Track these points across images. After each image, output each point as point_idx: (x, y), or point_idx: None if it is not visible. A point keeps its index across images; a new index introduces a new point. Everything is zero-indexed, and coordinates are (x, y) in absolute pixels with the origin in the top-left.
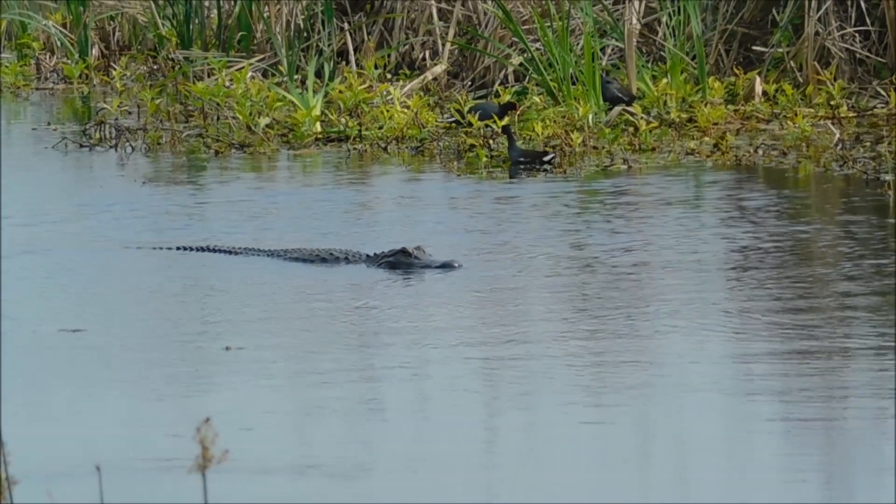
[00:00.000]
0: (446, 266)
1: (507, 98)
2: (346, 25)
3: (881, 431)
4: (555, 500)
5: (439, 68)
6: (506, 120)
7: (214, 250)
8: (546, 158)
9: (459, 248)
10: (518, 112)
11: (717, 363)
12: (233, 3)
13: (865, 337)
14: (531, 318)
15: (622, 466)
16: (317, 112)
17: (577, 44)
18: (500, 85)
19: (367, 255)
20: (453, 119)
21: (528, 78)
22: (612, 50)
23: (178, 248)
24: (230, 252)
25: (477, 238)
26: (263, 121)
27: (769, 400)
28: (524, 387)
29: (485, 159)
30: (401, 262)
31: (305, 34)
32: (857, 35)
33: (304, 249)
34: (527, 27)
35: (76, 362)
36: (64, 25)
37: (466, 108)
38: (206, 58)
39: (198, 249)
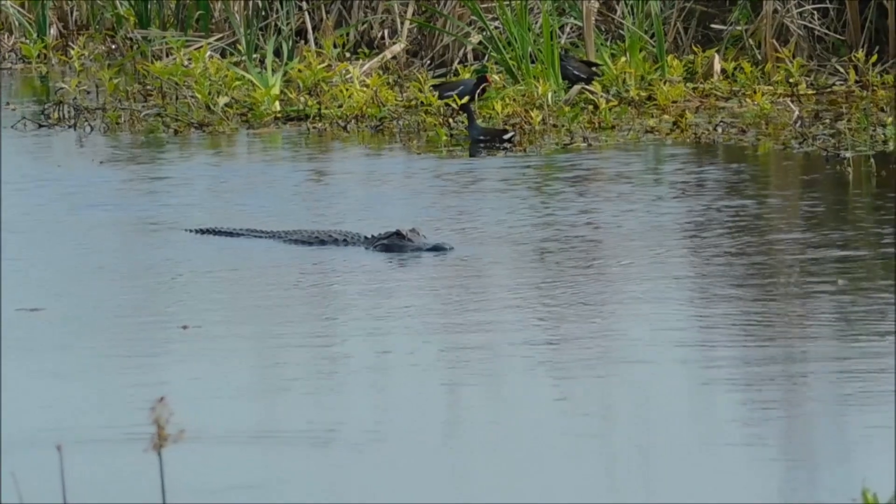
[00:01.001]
0: (438, 248)
1: (467, 76)
2: (304, 4)
3: (842, 392)
4: (517, 468)
5: (398, 47)
6: (465, 99)
7: (216, 232)
8: (506, 137)
9: (421, 225)
10: (490, 83)
11: (679, 332)
12: None
13: (823, 303)
14: (493, 294)
15: (584, 439)
16: (276, 91)
17: (536, 22)
18: (459, 63)
19: (365, 238)
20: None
21: (487, 56)
22: (571, 28)
23: (185, 231)
24: (231, 234)
25: (438, 215)
26: (222, 100)
27: (730, 370)
28: (486, 362)
29: (445, 138)
30: (395, 244)
31: (264, 13)
32: (815, 12)
33: (303, 231)
34: (485, 5)
35: (32, 340)
36: (22, 5)
37: (444, 87)
38: (165, 37)
39: (201, 232)
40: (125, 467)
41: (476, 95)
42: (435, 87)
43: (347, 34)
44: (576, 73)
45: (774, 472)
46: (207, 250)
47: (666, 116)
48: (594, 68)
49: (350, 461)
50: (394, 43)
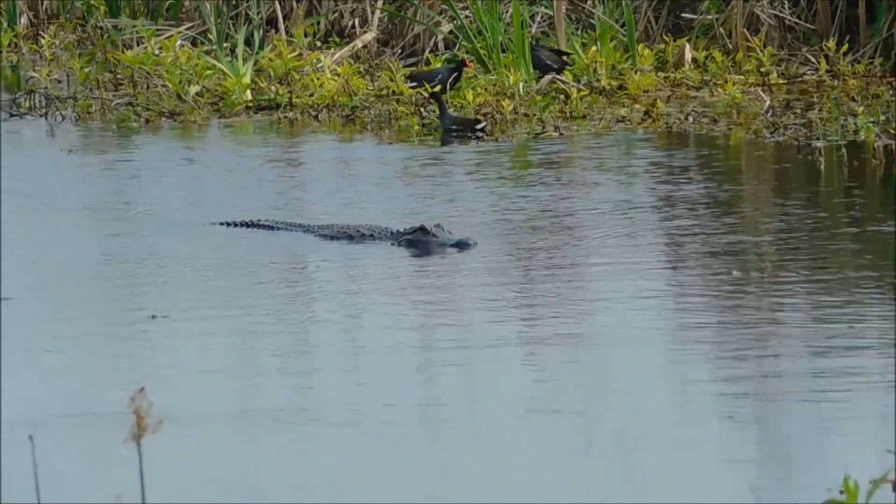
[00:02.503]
0: (461, 244)
1: (438, 65)
2: None
3: (814, 368)
4: (492, 449)
5: (369, 36)
6: (436, 88)
7: (248, 225)
8: (478, 126)
9: (394, 213)
10: (469, 66)
11: (652, 313)
12: None
13: (794, 284)
14: (469, 278)
15: (559, 420)
16: (246, 80)
17: (507, 11)
18: (430, 53)
19: (391, 233)
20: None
21: (458, 46)
22: (542, 17)
23: (214, 224)
24: (262, 227)
25: (411, 203)
26: (193, 89)
27: (703, 349)
28: (460, 343)
29: (416, 127)
30: (419, 239)
31: (234, 2)
32: (786, 2)
33: (333, 226)
34: None
35: (4, 328)
36: None
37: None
38: (135, 26)
39: (230, 224)
40: (98, 456)
41: (449, 84)
42: (412, 76)
43: (318, 23)
44: (547, 62)
45: (749, 455)
46: (183, 240)
47: (637, 106)
48: (565, 57)
49: (325, 441)
50: (364, 32)
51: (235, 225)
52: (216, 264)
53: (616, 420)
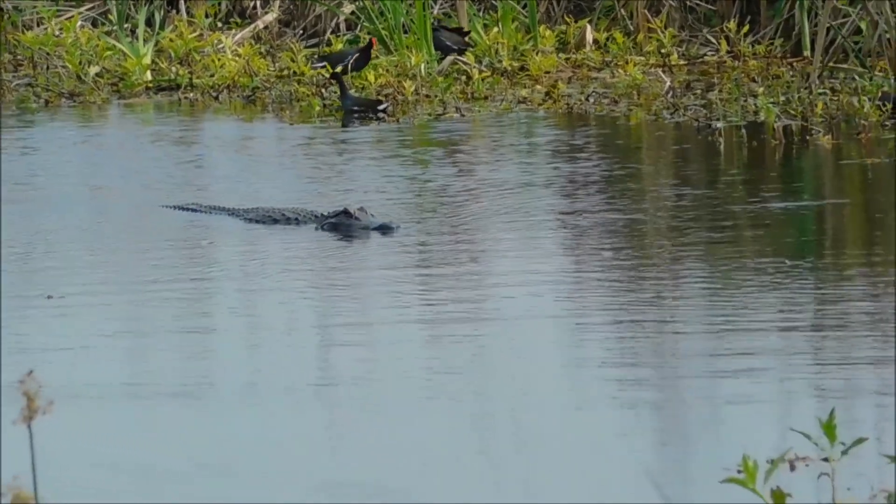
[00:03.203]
0: (384, 227)
1: (339, 47)
2: None
3: (711, 347)
4: (387, 424)
5: (270, 17)
6: (339, 68)
7: (181, 209)
8: (379, 107)
9: (297, 195)
10: (375, 45)
11: (549, 291)
12: None
13: (691, 263)
14: (370, 256)
15: (454, 395)
16: (147, 61)
17: None
18: (332, 34)
19: (315, 216)
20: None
21: (359, 27)
22: None
23: (168, 207)
24: (186, 209)
25: (314, 186)
26: (93, 70)
27: (599, 329)
28: (357, 325)
29: (318, 108)
30: (342, 222)
31: None
32: None
33: (258, 209)
34: None
35: None
36: None
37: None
38: (35, 7)
39: (165, 208)
40: None
41: (354, 65)
42: (322, 57)
43: (219, 3)
44: (448, 43)
45: (646, 435)
46: (86, 220)
47: (538, 87)
48: (466, 38)
49: (223, 415)
50: (266, 13)
51: (166, 208)
52: (118, 245)
53: (510, 401)
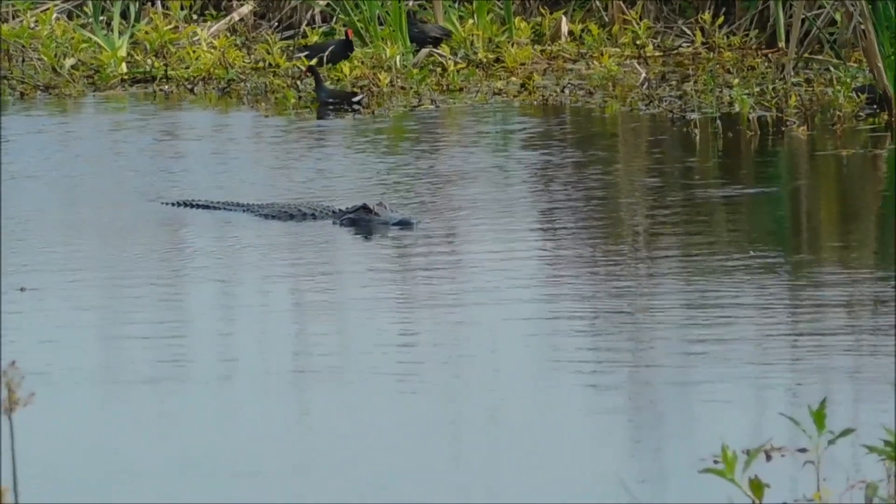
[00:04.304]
0: (404, 222)
1: (315, 39)
2: None
3: (686, 336)
4: (357, 407)
5: (245, 9)
6: (313, 62)
7: (185, 204)
8: (354, 99)
9: (273, 187)
10: (351, 36)
11: (525, 272)
12: None
13: (666, 252)
14: (343, 243)
15: (427, 378)
16: (122, 53)
17: None
18: (307, 25)
19: (333, 212)
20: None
21: (335, 19)
22: None
23: (164, 204)
24: (200, 206)
25: (288, 175)
26: (69, 62)
27: (573, 320)
28: (329, 308)
29: (293, 100)
30: (361, 218)
31: None
32: None
33: (275, 205)
34: None
35: None
36: None
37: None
38: None
39: (176, 204)
40: None
41: (330, 57)
42: (303, 48)
43: None
44: (427, 32)
45: (621, 425)
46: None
47: (514, 79)
48: (439, 31)
49: (198, 398)
50: (241, 5)
51: (173, 204)
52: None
53: (482, 388)
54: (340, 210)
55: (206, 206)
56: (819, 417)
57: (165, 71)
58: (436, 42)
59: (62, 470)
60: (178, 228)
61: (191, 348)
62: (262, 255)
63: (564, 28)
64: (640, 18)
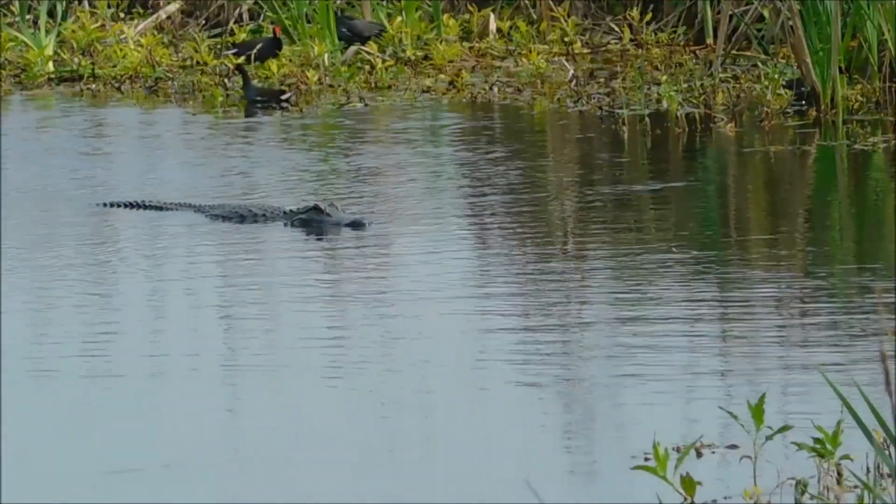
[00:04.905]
0: (356, 224)
1: (243, 37)
2: None
3: (619, 332)
4: (287, 401)
5: (173, 7)
6: (241, 60)
7: (134, 205)
8: (282, 97)
9: (198, 187)
10: (279, 33)
11: (457, 268)
12: None
13: (595, 248)
14: (277, 241)
15: (357, 374)
16: (49, 52)
17: None
18: (235, 23)
19: (283, 212)
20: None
21: (262, 16)
22: None
23: (104, 205)
24: (150, 207)
25: (216, 175)
26: None
27: (504, 316)
28: (263, 304)
29: (220, 98)
30: (313, 218)
31: None
32: None
33: (224, 206)
34: None
35: None
36: None
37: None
38: None
39: (118, 205)
40: None
41: (255, 54)
42: (233, 45)
43: None
44: (349, 32)
45: (554, 422)
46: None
47: (442, 76)
48: (376, 28)
49: (130, 393)
50: (168, 3)
51: (121, 205)
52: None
53: (414, 386)
54: (292, 211)
55: (157, 207)
56: (758, 413)
57: (93, 69)
58: (365, 40)
59: None
60: (124, 229)
61: (121, 345)
62: (204, 255)
63: (493, 25)
64: (568, 16)
